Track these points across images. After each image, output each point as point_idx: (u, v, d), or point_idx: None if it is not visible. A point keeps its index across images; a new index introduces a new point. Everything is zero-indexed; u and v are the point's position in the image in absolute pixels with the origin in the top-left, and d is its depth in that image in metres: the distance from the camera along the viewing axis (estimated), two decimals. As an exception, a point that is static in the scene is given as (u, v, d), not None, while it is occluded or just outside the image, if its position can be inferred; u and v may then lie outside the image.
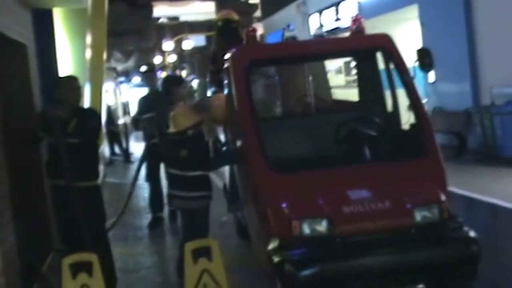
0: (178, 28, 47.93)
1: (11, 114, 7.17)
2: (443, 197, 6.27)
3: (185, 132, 7.41)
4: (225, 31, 9.47)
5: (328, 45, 8.17)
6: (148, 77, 11.86)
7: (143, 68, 12.69)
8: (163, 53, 52.19)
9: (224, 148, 8.02)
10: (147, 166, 10.81)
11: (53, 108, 6.96)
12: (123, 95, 38.91)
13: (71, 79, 7.43)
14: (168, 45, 48.61)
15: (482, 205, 11.09)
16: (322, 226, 6.02)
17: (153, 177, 11.14)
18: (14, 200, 6.43)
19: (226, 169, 8.82)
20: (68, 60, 10.18)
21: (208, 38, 48.18)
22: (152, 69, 12.73)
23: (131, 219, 9.22)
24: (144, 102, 10.91)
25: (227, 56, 7.71)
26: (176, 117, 7.59)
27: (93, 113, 7.88)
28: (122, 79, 43.42)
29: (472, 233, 6.10)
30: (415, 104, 7.03)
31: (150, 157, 10.22)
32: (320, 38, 8.33)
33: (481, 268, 6.03)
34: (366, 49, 7.84)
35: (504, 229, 9.79)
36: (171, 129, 7.61)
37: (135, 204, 11.31)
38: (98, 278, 5.77)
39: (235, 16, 9.58)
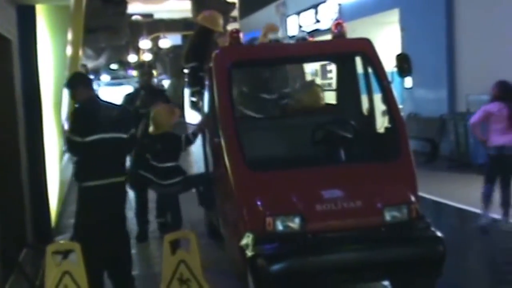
0: (153, 25, 47.45)
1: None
2: (412, 198, 6.51)
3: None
4: (203, 37, 9.00)
5: (309, 48, 8.23)
6: (144, 73, 10.96)
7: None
8: (137, 51, 51.75)
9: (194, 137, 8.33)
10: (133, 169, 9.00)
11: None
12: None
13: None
14: (144, 43, 48.24)
15: (450, 209, 11.43)
16: (294, 223, 6.24)
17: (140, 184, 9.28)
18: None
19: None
20: (49, 57, 10.21)
21: (184, 37, 47.85)
22: (150, 65, 12.07)
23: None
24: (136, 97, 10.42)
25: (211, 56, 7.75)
26: (156, 116, 8.11)
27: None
28: (91, 77, 43.10)
29: (438, 233, 6.35)
30: (391, 109, 7.19)
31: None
32: (301, 41, 8.35)
33: (445, 267, 6.29)
34: (346, 53, 7.95)
35: (468, 232, 10.08)
36: (151, 129, 8.19)
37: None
38: (81, 266, 5.88)
39: (218, 25, 9.14)
